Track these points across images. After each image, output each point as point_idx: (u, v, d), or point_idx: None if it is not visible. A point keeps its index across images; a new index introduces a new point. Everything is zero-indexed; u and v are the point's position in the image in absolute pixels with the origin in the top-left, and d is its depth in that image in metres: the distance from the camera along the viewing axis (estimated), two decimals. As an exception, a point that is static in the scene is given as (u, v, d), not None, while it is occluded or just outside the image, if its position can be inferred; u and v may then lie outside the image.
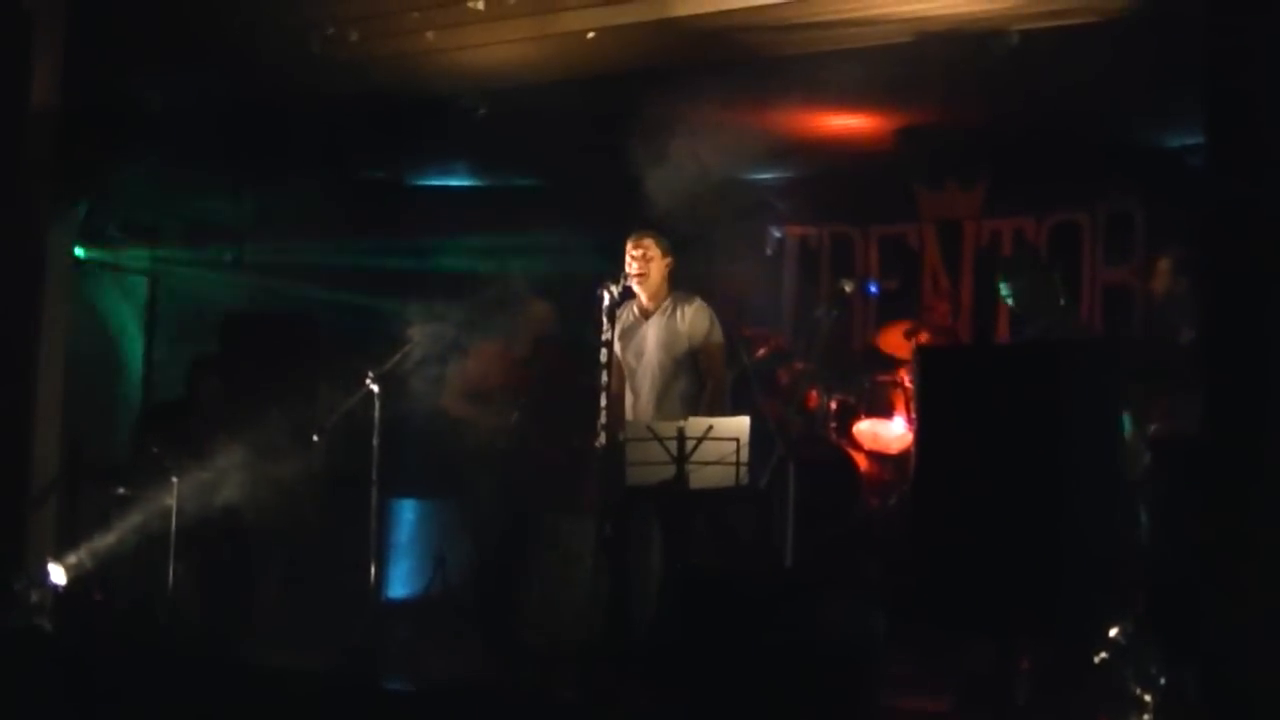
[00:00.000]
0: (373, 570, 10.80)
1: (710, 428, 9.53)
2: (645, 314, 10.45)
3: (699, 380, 10.35)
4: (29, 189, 10.95)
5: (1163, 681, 7.60)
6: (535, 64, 10.90)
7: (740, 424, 9.71)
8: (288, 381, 11.88)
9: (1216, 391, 7.41)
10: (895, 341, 12.63)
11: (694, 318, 10.32)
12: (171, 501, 11.06)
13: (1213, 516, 7.33)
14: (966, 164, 13.55)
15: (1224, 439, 7.32)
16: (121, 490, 11.39)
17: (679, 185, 11.21)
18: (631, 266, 10.29)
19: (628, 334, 10.44)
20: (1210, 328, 7.57)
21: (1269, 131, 7.28)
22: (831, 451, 12.04)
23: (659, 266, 10.40)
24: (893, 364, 12.45)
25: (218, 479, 11.15)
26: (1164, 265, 10.26)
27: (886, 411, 12.20)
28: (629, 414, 10.29)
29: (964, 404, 8.18)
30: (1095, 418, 8.21)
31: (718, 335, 10.41)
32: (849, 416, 12.31)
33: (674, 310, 10.37)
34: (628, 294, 10.22)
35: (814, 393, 12.40)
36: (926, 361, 8.92)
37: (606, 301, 9.86)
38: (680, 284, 10.51)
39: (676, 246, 10.53)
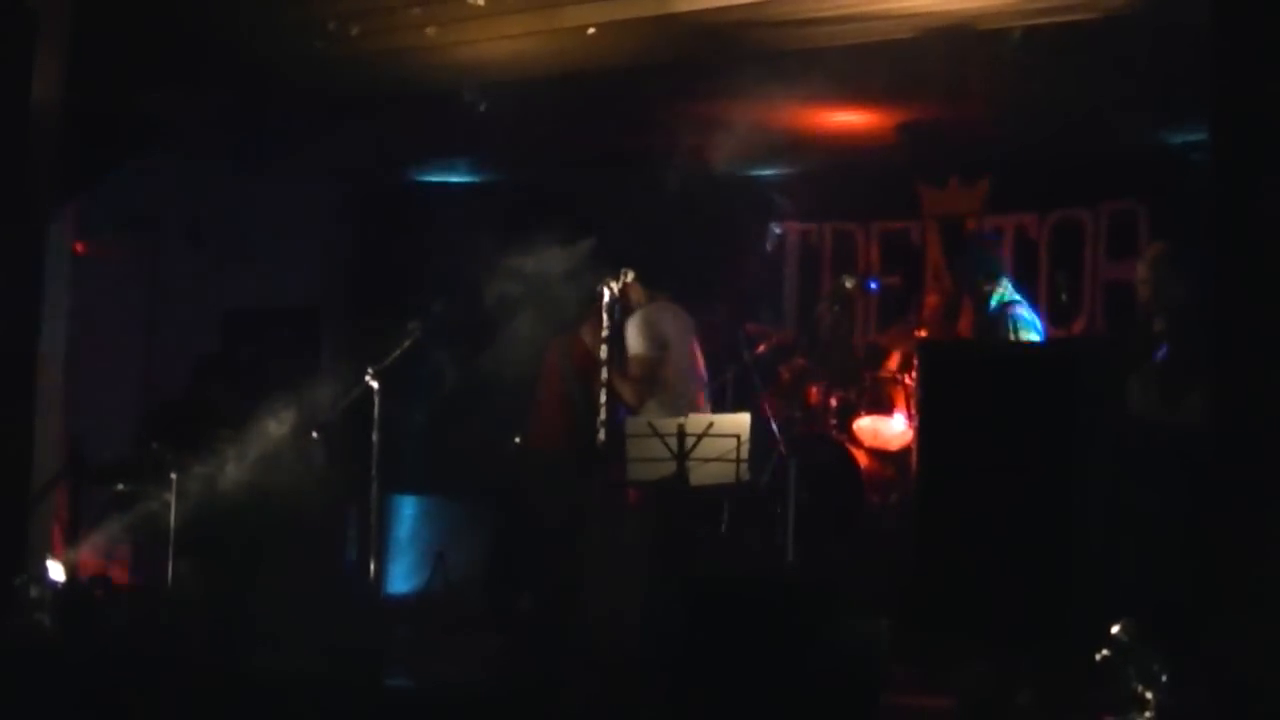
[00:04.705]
0: (373, 566, 10.79)
1: (711, 424, 9.53)
2: None
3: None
4: (30, 185, 10.92)
5: (1165, 679, 7.57)
6: (536, 59, 10.89)
7: (740, 421, 9.72)
8: (289, 377, 11.86)
9: (1222, 387, 7.40)
10: (896, 338, 12.62)
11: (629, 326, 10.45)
12: (171, 498, 11.05)
13: (1216, 514, 7.31)
14: (969, 160, 13.54)
15: (1230, 435, 7.31)
16: (121, 486, 11.38)
17: (680, 181, 11.22)
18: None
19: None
20: (1216, 324, 7.54)
21: (1275, 125, 7.27)
22: (832, 448, 12.02)
23: (628, 296, 10.44)
24: (893, 360, 12.43)
25: (217, 475, 11.14)
26: (1142, 268, 10.26)
27: (887, 408, 12.15)
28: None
29: (966, 400, 8.15)
30: (1098, 415, 8.18)
31: (636, 347, 10.46)
32: (850, 413, 12.28)
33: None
34: (626, 291, 10.22)
35: (815, 389, 12.38)
36: (929, 357, 8.89)
37: (606, 298, 9.85)
38: (681, 283, 10.52)
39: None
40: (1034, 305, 11.67)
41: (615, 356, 10.06)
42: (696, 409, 10.17)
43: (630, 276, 10.17)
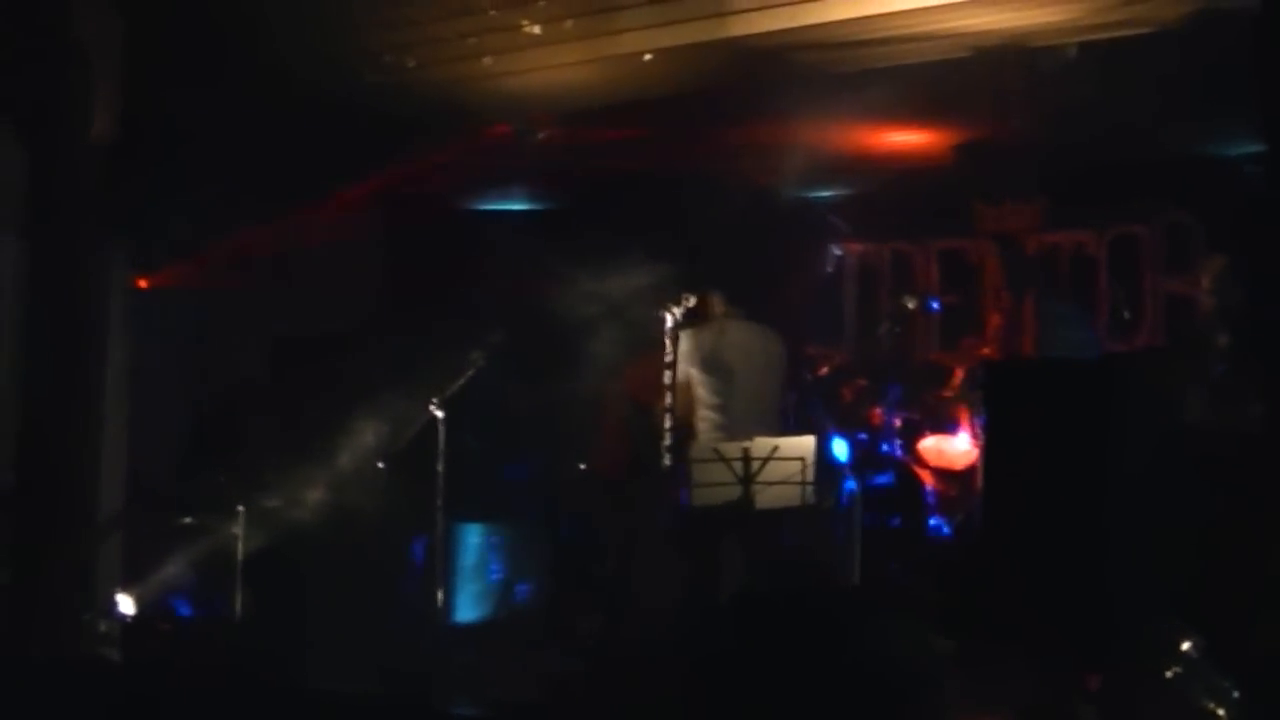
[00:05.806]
0: (440, 595, 10.83)
1: (776, 448, 9.52)
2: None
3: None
4: (87, 219, 10.99)
5: (1235, 695, 7.54)
6: (593, 87, 10.91)
7: (805, 443, 9.71)
8: (344, 406, 11.88)
9: (1275, 398, 7.37)
10: (958, 357, 12.60)
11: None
12: (237, 531, 11.09)
13: (1262, 524, 7.29)
14: (1024, 178, 13.51)
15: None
16: (187, 520, 11.42)
17: (738, 204, 11.22)
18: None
19: None
20: (1267, 334, 7.53)
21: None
22: (897, 469, 12.02)
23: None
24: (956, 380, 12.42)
25: (282, 507, 11.17)
26: (1205, 279, 10.24)
27: (952, 428, 12.15)
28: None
29: (1032, 419, 8.13)
30: (1162, 431, 8.15)
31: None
32: (913, 433, 12.27)
33: None
34: (690, 315, 10.17)
35: (877, 410, 12.37)
36: (994, 377, 8.89)
37: (670, 323, 9.83)
38: (741, 304, 10.52)
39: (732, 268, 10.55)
40: (1095, 321, 11.67)
41: (675, 381, 10.02)
42: (764, 432, 10.12)
43: (692, 302, 10.15)
